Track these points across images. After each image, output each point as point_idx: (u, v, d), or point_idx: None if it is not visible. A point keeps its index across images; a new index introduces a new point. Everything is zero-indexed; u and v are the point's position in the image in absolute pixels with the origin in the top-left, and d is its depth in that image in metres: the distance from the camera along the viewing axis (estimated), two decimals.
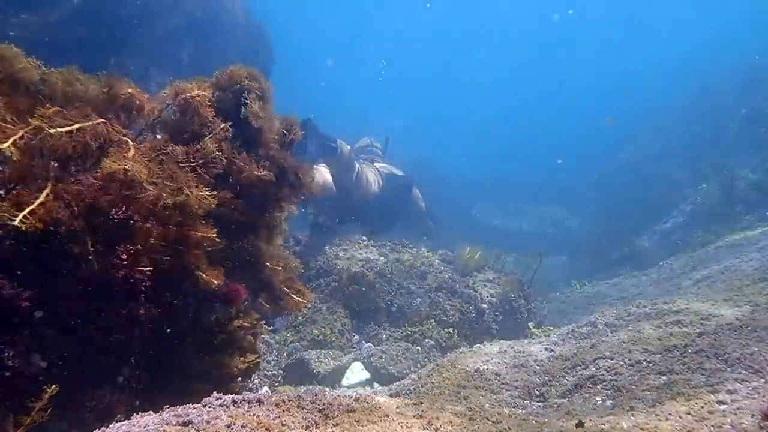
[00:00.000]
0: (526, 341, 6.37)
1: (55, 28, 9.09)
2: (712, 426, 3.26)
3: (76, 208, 2.50)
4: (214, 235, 2.98)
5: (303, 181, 3.84)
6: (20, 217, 2.23)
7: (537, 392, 4.60)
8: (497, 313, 8.77)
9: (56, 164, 2.54)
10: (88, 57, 7.47)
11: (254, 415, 2.49)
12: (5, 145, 2.28)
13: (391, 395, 4.83)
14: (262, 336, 7.44)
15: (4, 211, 2.22)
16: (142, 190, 2.61)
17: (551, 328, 8.44)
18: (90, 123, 2.57)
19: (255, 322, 3.49)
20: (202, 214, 2.92)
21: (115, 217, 2.70)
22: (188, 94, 3.24)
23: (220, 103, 3.58)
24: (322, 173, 10.04)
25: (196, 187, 2.85)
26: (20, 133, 2.35)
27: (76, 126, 2.52)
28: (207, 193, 2.90)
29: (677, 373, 4.15)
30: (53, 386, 2.32)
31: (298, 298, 3.91)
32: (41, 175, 2.46)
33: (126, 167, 2.52)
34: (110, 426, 2.28)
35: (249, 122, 3.62)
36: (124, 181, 2.57)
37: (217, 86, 3.68)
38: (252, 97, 3.61)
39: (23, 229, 2.26)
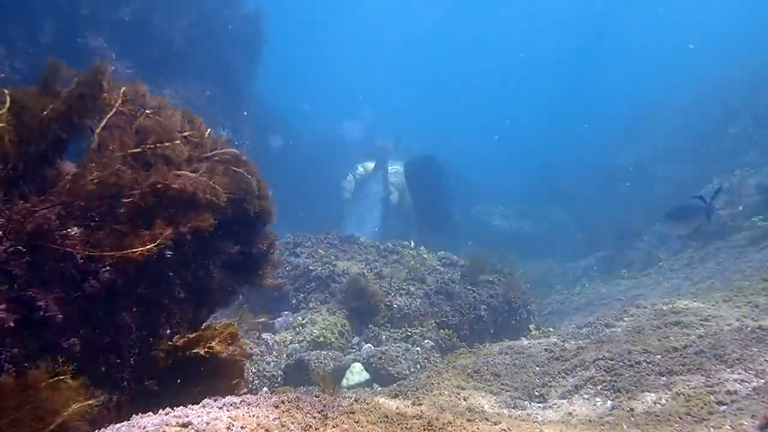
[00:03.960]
0: (526, 342, 6.37)
1: None
2: (712, 427, 3.26)
3: None
4: None
5: None
6: None
7: (537, 393, 4.60)
8: (497, 314, 8.76)
9: None
10: None
11: (253, 416, 2.49)
12: None
13: (391, 396, 4.82)
14: (263, 336, 7.44)
15: None
16: None
17: (551, 329, 8.42)
18: None
19: None
20: None
21: None
22: None
23: None
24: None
25: None
26: None
27: None
28: None
29: (677, 374, 4.16)
30: None
31: None
32: None
33: None
34: (110, 426, 2.29)
35: None
36: None
37: None
38: None
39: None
